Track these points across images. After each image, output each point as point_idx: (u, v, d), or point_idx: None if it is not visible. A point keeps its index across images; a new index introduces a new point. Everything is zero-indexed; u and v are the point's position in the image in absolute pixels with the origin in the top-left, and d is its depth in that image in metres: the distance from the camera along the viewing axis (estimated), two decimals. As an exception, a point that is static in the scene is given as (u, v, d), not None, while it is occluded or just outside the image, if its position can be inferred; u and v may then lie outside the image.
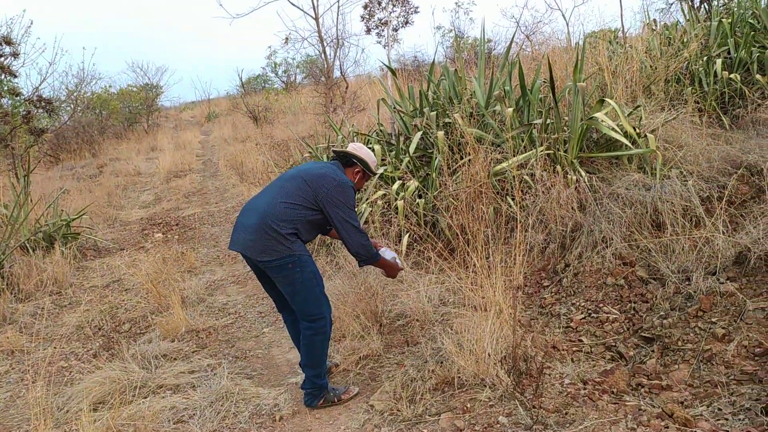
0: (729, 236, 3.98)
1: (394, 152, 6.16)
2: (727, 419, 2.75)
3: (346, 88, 14.17)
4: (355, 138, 7.29)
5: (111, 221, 9.88)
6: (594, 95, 5.89)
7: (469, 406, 3.02)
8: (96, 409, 3.63)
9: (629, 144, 4.93)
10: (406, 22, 15.55)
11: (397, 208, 5.31)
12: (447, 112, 6.14)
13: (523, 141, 5.33)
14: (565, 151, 5.13)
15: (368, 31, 15.29)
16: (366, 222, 5.53)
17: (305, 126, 14.61)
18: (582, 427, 2.63)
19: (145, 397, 3.72)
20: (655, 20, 8.92)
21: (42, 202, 8.63)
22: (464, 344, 3.27)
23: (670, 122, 5.33)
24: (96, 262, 7.35)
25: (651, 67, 6.58)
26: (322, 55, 14.21)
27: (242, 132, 17.87)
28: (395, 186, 5.55)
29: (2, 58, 10.61)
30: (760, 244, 3.71)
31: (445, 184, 5.19)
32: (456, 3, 18.69)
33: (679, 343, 3.47)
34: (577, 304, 4.18)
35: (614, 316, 3.91)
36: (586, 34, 8.08)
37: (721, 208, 4.10)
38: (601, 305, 4.07)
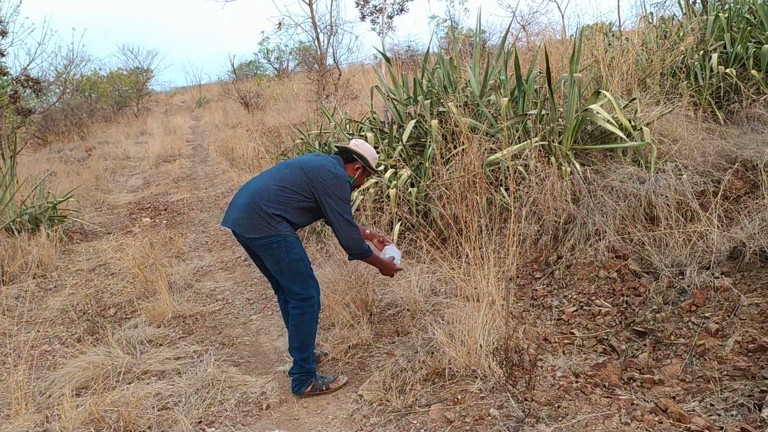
0: (724, 231, 3.95)
1: (387, 140, 6.09)
2: (719, 415, 2.73)
3: (339, 75, 14.05)
4: (347, 125, 7.22)
5: (98, 205, 9.76)
6: (590, 87, 5.84)
7: (459, 397, 2.97)
8: (79, 395, 3.56)
9: (624, 137, 4.89)
10: (402, 10, 15.42)
11: (389, 197, 5.25)
12: (441, 100, 6.08)
13: (517, 131, 5.27)
14: (560, 143, 5.08)
15: (363, 17, 15.14)
16: (358, 209, 5.47)
17: (297, 113, 14.50)
18: (575, 420, 2.59)
19: (130, 383, 3.65)
20: (651, 13, 8.88)
21: (28, 184, 8.49)
22: (456, 335, 3.23)
23: (665, 116, 5.29)
24: (82, 246, 7.25)
25: (647, 60, 6.54)
26: (316, 42, 14.08)
27: (233, 118, 17.73)
28: (388, 174, 5.49)
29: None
30: (755, 240, 3.68)
31: (438, 174, 5.13)
32: (452, -8, 18.57)
33: (672, 338, 3.44)
34: (570, 296, 4.14)
35: (606, 310, 3.88)
36: (582, 26, 8.01)
37: (716, 203, 4.07)
38: (593, 298, 4.03)
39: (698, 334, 3.37)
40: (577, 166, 4.86)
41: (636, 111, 5.27)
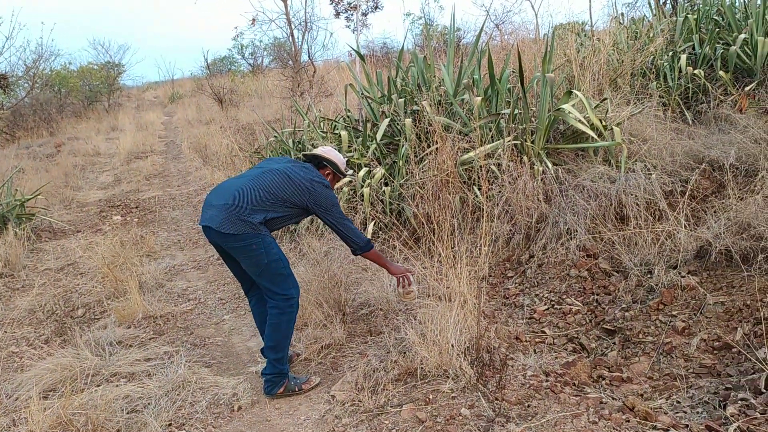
0: (691, 230, 4.02)
1: (361, 139, 6.08)
2: (685, 412, 2.78)
3: (314, 72, 13.97)
4: (321, 123, 7.19)
5: (68, 202, 9.58)
6: (562, 87, 5.89)
7: (431, 397, 2.99)
8: (46, 397, 3.50)
9: (595, 136, 4.95)
10: (376, 7, 15.39)
11: (363, 196, 5.24)
12: (415, 99, 6.08)
13: (490, 131, 5.30)
14: (533, 142, 5.12)
15: (337, 14, 15.09)
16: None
17: (271, 110, 14.40)
18: (544, 420, 2.62)
19: (98, 386, 3.59)
20: (622, 14, 8.99)
21: (-6, 181, 8.31)
22: (428, 335, 3.24)
23: (635, 116, 5.37)
24: (51, 244, 7.12)
25: (618, 60, 6.62)
26: (290, 38, 13.98)
27: (207, 114, 17.54)
28: (361, 173, 5.48)
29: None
30: (721, 239, 3.75)
31: (412, 173, 5.14)
32: (426, -10, 18.60)
33: (640, 336, 3.50)
34: (541, 295, 4.19)
35: (577, 308, 3.93)
36: (555, 25, 8.10)
37: (684, 203, 4.14)
38: (564, 297, 4.08)
39: (665, 332, 3.43)
40: (549, 165, 4.90)
41: (607, 111, 5.33)
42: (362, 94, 6.73)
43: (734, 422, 2.51)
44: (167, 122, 19.36)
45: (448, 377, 3.09)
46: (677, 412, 2.79)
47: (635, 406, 2.70)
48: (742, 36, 6.27)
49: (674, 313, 3.55)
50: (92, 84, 22.89)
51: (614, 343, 3.54)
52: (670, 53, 6.68)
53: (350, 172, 5.51)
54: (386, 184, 5.46)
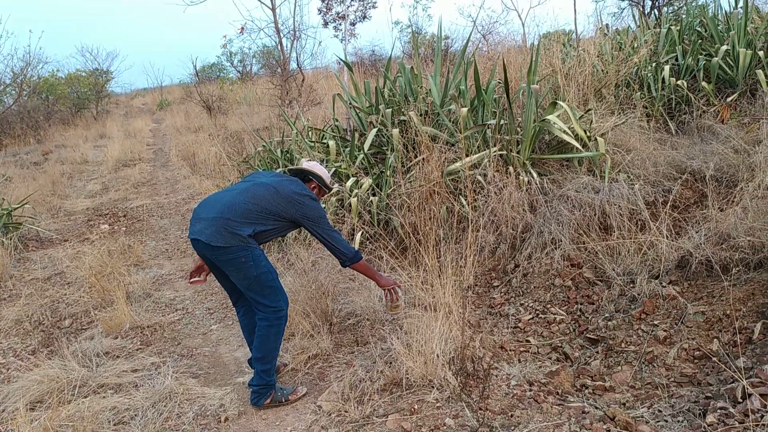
0: (672, 240, 4.09)
1: (348, 149, 6.12)
2: (666, 421, 2.82)
3: (303, 80, 14.01)
4: (309, 133, 7.22)
5: (55, 211, 9.55)
6: (547, 97, 5.97)
7: (416, 407, 3.02)
8: (33, 409, 3.49)
9: (580, 147, 5.01)
10: (364, 17, 15.50)
11: (350, 206, 5.28)
12: (402, 109, 6.13)
13: (476, 141, 5.36)
14: (518, 152, 5.18)
15: (325, 24, 15.16)
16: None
17: (260, 118, 14.42)
18: (527, 430, 2.66)
19: (86, 397, 3.60)
20: (607, 25, 9.11)
21: (-19, 190, 8.29)
22: (413, 345, 3.27)
23: (619, 126, 5.44)
24: (38, 254, 7.10)
25: (602, 71, 6.71)
26: (279, 47, 14.02)
27: (195, 121, 17.53)
28: (349, 183, 5.51)
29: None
30: (701, 249, 3.82)
31: (399, 183, 5.18)
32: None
33: (623, 345, 3.55)
34: (526, 304, 4.23)
35: (561, 317, 3.98)
36: (540, 35, 8.19)
37: (666, 213, 4.21)
38: (548, 306, 4.13)
39: (647, 341, 3.48)
40: (535, 175, 4.96)
41: (591, 121, 5.40)
42: (350, 103, 6.78)
43: (713, 431, 2.56)
44: (155, 129, 19.32)
45: (433, 387, 3.13)
46: (659, 421, 2.83)
47: (616, 416, 2.74)
48: (724, 47, 6.38)
49: (656, 322, 3.61)
50: (80, 91, 22.82)
51: (597, 352, 3.59)
52: (654, 64, 6.78)
53: (336, 185, 5.55)
54: (373, 195, 5.49)
